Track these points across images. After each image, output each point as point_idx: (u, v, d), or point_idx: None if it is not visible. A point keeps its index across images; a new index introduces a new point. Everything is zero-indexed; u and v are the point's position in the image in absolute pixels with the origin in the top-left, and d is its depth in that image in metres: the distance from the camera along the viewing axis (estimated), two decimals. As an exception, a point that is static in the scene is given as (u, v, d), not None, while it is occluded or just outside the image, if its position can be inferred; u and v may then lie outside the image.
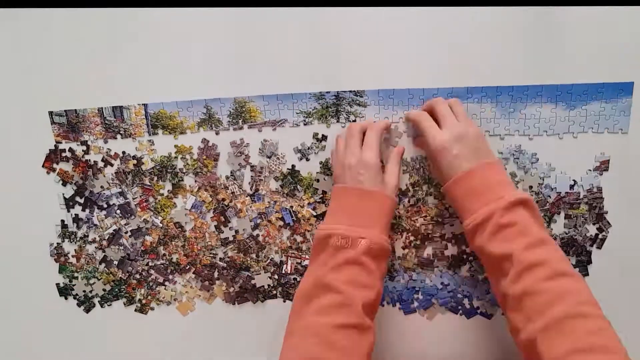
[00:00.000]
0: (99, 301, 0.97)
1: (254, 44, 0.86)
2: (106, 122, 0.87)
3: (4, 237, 0.94)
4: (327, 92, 0.88)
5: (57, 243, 0.95)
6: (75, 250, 0.95)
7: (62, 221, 0.94)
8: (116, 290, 0.96)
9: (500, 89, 0.87)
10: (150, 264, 0.96)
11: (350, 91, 0.88)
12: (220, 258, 0.95)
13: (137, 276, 0.96)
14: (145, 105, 0.87)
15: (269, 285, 0.97)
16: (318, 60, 0.87)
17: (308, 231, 0.94)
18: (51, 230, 0.94)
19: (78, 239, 0.94)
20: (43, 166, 0.90)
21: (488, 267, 0.77)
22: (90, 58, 0.84)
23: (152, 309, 0.98)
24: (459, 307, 0.98)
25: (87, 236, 0.94)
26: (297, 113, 0.89)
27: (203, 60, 0.85)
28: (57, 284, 0.97)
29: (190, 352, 0.99)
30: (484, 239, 0.73)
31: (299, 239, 0.95)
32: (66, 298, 0.97)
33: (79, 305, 0.98)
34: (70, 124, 0.87)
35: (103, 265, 0.96)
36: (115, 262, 0.95)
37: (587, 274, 0.97)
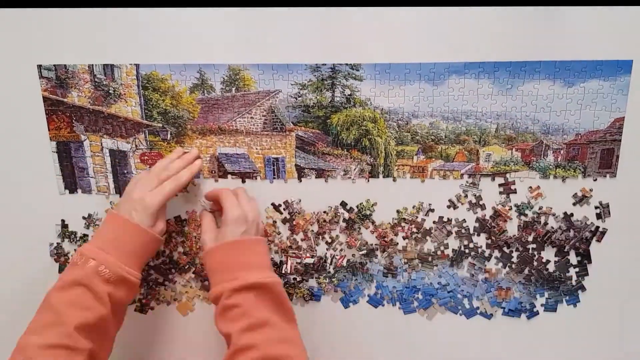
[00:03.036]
0: None
1: (252, 12, 0.85)
2: (96, 80, 0.86)
3: (4, 236, 0.93)
4: (323, 64, 0.87)
5: (57, 243, 0.93)
6: (75, 250, 0.93)
7: (63, 221, 0.93)
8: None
9: (498, 64, 0.86)
10: (150, 263, 0.94)
11: (347, 64, 0.87)
12: None
13: None
14: (137, 65, 0.85)
15: None
16: (315, 32, 0.85)
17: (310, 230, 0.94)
18: (51, 230, 0.93)
19: (78, 238, 0.93)
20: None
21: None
22: (84, 13, 0.83)
23: (152, 308, 0.97)
24: (459, 307, 0.97)
25: (87, 236, 0.93)
26: (291, 84, 0.87)
27: (199, 24, 0.84)
28: None
29: (190, 352, 0.99)
30: (216, 316, 0.78)
31: (298, 238, 0.94)
32: None
33: None
34: (59, 79, 0.85)
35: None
36: None
37: (587, 274, 0.96)
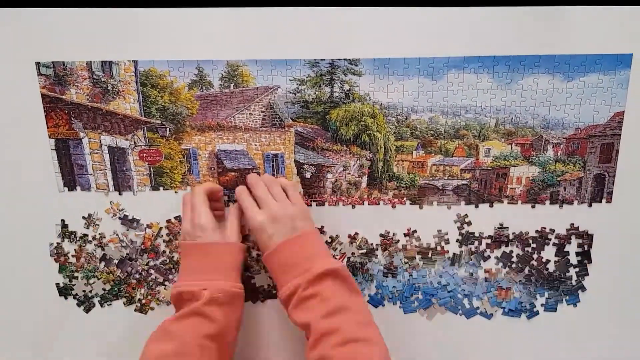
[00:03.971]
0: (98, 301, 0.96)
1: (251, 9, 0.84)
2: (94, 76, 0.85)
3: (4, 236, 0.93)
4: (321, 60, 0.86)
5: (57, 243, 0.93)
6: (75, 250, 0.93)
7: (63, 221, 0.93)
8: (116, 290, 0.95)
9: (497, 58, 0.85)
10: (150, 263, 0.95)
11: (345, 59, 0.86)
12: None
13: (137, 276, 0.95)
14: (135, 62, 0.85)
15: (268, 285, 0.96)
16: (313, 27, 0.85)
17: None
18: (51, 228, 0.93)
19: (78, 238, 0.93)
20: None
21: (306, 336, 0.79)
22: (83, 11, 0.82)
23: (152, 308, 0.97)
24: (459, 307, 0.97)
25: (87, 235, 0.93)
26: (290, 80, 0.87)
27: (197, 21, 0.84)
28: (57, 284, 0.95)
29: None
30: (291, 310, 0.79)
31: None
32: (66, 298, 0.96)
33: (78, 305, 0.96)
34: (57, 76, 0.85)
35: (103, 264, 0.94)
36: (115, 261, 0.94)
37: (587, 274, 0.96)
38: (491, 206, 0.93)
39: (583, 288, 0.97)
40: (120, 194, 0.92)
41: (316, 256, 0.80)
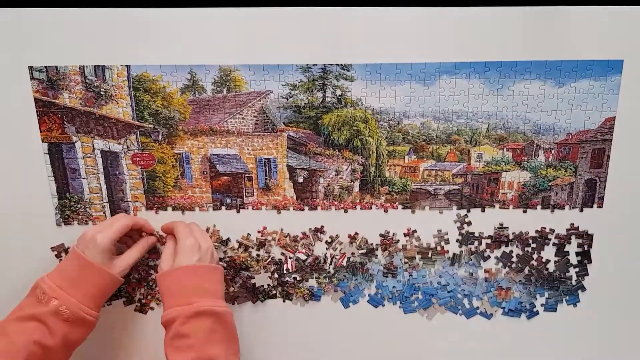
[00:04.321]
0: None
1: (243, 13, 0.84)
2: (87, 81, 0.85)
3: (3, 236, 0.93)
4: (314, 65, 0.87)
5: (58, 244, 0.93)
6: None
7: (62, 219, 0.93)
8: (116, 289, 0.93)
9: (489, 64, 0.86)
10: (150, 263, 0.95)
11: (337, 64, 0.86)
12: (220, 258, 0.94)
13: (137, 276, 0.95)
14: (128, 66, 0.85)
15: (268, 285, 0.97)
16: (306, 32, 0.85)
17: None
18: (49, 232, 0.93)
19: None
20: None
21: None
22: (75, 14, 0.82)
23: (152, 308, 0.98)
24: (459, 307, 0.97)
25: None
26: (282, 85, 0.87)
27: (190, 25, 0.84)
28: None
29: None
30: (167, 340, 0.79)
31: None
32: None
33: None
34: (50, 80, 0.85)
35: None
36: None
37: (587, 274, 0.96)
38: (483, 211, 0.94)
39: (583, 288, 0.97)
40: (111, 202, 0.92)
41: (210, 294, 0.81)
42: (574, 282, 0.97)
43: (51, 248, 0.93)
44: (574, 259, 0.96)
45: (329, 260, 0.96)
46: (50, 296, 0.77)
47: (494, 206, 0.94)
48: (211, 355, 0.77)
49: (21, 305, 0.80)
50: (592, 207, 0.93)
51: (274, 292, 0.97)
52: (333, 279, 0.96)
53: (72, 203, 0.91)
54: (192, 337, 0.77)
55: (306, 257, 0.95)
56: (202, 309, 0.78)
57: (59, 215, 0.92)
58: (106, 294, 0.84)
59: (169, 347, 0.78)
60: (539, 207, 0.93)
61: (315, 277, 0.96)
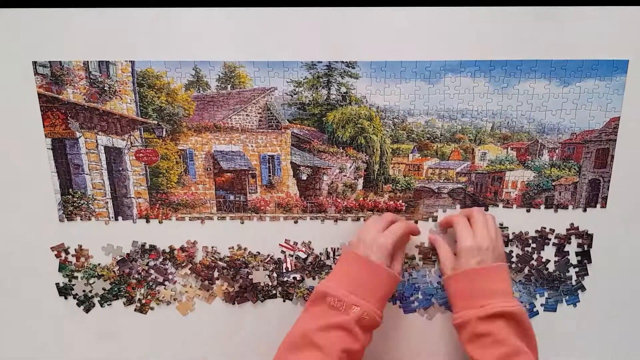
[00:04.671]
0: (98, 301, 0.97)
1: (248, 10, 0.84)
2: (91, 76, 0.85)
3: (6, 231, 0.93)
4: (318, 62, 0.86)
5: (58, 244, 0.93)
6: (75, 250, 0.94)
7: (63, 219, 0.92)
8: (116, 289, 0.96)
9: (494, 63, 0.86)
10: (150, 263, 0.95)
11: (342, 62, 0.86)
12: (220, 258, 0.95)
13: (137, 276, 0.95)
14: (132, 62, 0.85)
15: (268, 284, 0.96)
16: (311, 29, 0.85)
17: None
18: (49, 229, 0.93)
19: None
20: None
21: None
22: (80, 10, 0.82)
23: (152, 308, 0.98)
24: None
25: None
26: (287, 82, 0.87)
27: (195, 21, 0.84)
28: (57, 284, 0.96)
29: (190, 351, 0.99)
30: (464, 341, 0.81)
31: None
32: (66, 298, 0.96)
33: (78, 305, 0.97)
34: (54, 75, 0.85)
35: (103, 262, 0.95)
36: (115, 260, 0.95)
37: (587, 274, 0.96)
38: (486, 209, 0.94)
39: (583, 288, 0.97)
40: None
41: (494, 294, 0.80)
42: (574, 282, 0.97)
43: (51, 248, 0.93)
44: (574, 259, 0.96)
45: (330, 260, 0.96)
46: (350, 304, 0.78)
47: (498, 205, 0.94)
48: (518, 347, 0.77)
49: (310, 314, 0.81)
50: (595, 207, 0.93)
51: (274, 292, 0.97)
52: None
53: (75, 199, 0.91)
54: (493, 335, 0.77)
55: (306, 256, 0.95)
56: (494, 312, 0.78)
57: (62, 211, 0.92)
58: (390, 294, 0.84)
59: (471, 347, 0.80)
60: (542, 206, 0.93)
61: (316, 277, 0.96)
